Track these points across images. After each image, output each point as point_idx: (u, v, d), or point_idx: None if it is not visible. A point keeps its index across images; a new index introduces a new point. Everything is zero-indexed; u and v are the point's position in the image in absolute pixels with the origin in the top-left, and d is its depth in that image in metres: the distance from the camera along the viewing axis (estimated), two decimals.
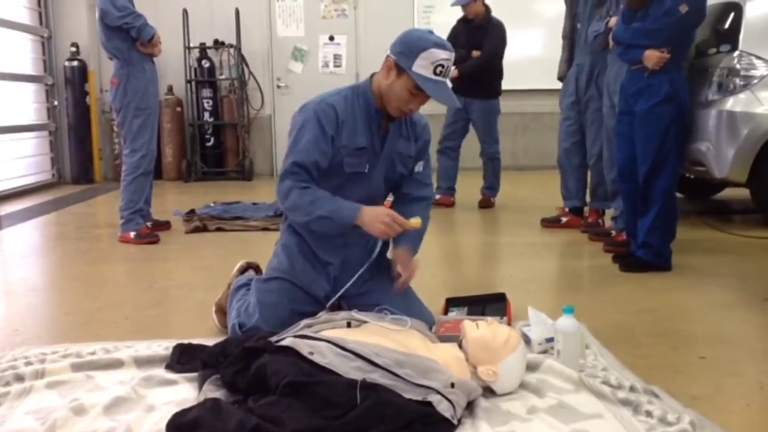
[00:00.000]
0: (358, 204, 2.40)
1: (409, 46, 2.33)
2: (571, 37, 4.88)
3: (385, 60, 2.41)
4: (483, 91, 5.80)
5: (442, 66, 2.32)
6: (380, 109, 2.48)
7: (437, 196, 5.87)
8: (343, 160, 2.45)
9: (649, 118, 3.57)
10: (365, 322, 2.24)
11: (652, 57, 3.52)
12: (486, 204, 5.93)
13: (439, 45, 2.32)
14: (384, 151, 2.52)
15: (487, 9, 5.83)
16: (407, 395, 1.81)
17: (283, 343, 1.99)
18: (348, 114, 2.45)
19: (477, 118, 5.87)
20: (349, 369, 1.87)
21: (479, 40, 5.75)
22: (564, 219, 4.98)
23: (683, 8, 3.45)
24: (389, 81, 2.39)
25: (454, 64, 5.79)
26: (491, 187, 6.00)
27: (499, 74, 5.87)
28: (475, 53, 5.72)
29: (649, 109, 3.57)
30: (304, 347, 1.93)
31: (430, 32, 2.39)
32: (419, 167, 2.64)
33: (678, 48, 3.56)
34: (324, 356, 1.90)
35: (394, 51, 2.38)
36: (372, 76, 2.51)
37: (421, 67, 2.31)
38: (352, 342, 1.97)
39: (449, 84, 2.49)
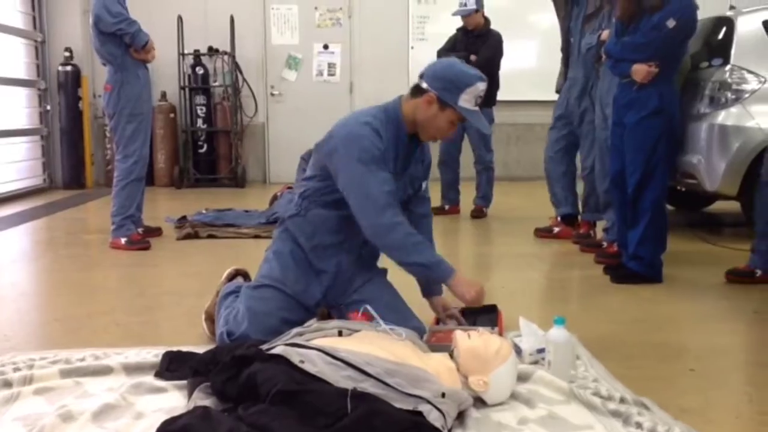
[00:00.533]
0: (454, 267, 2.51)
1: (453, 82, 2.44)
2: (565, 51, 4.92)
3: (424, 95, 2.46)
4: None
5: (480, 97, 2.48)
6: (410, 134, 2.54)
7: (446, 207, 6.08)
8: None
9: (638, 130, 3.60)
10: (357, 330, 2.24)
11: (639, 71, 3.55)
12: (478, 214, 5.94)
13: (480, 79, 2.46)
14: (405, 175, 2.58)
15: (487, 21, 5.88)
16: (398, 404, 1.81)
17: (274, 351, 1.99)
18: (385, 139, 2.49)
19: (471, 126, 5.87)
20: (340, 378, 1.87)
21: (477, 48, 5.80)
22: (556, 229, 4.99)
23: (671, 23, 3.48)
24: (430, 113, 2.47)
25: None
26: (484, 197, 6.02)
27: (494, 83, 5.90)
28: (473, 58, 5.76)
29: (637, 121, 3.60)
30: (294, 355, 1.93)
31: (461, 63, 2.54)
32: (425, 185, 2.76)
33: (667, 61, 3.58)
34: (314, 365, 1.90)
35: (434, 86, 2.45)
36: (399, 98, 2.56)
37: (466, 101, 2.45)
38: (343, 351, 1.97)
39: None
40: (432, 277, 2.57)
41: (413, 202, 2.73)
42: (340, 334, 2.23)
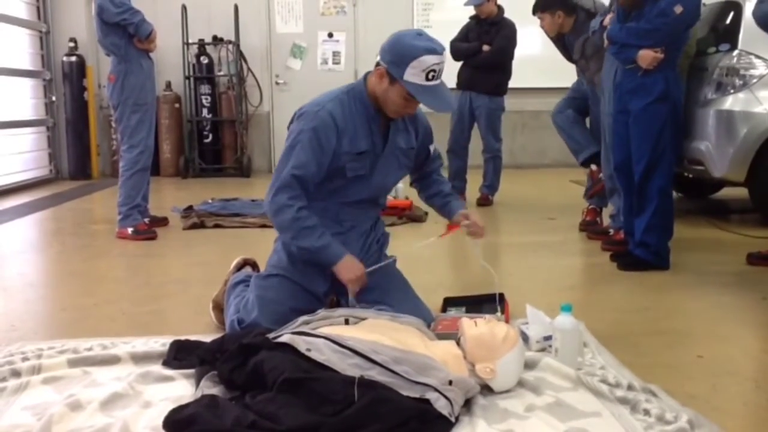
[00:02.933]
0: (343, 252, 2.42)
1: (400, 54, 2.30)
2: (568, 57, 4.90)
3: (376, 67, 2.39)
4: (489, 88, 5.83)
5: (434, 71, 2.29)
6: (378, 109, 2.47)
7: None
8: (345, 166, 2.45)
9: (644, 116, 3.58)
10: (363, 318, 2.24)
11: (646, 57, 3.52)
12: (484, 202, 5.93)
13: (429, 50, 2.27)
14: (386, 149, 2.52)
15: (500, 9, 5.85)
16: (405, 392, 1.81)
17: (281, 339, 1.99)
18: (347, 120, 2.44)
19: (481, 114, 5.89)
20: (347, 366, 1.87)
21: (491, 37, 5.79)
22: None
23: (678, 9, 3.45)
24: (382, 88, 2.39)
25: (465, 58, 5.82)
26: (491, 185, 6.00)
27: (507, 73, 5.89)
28: (486, 48, 5.75)
29: (643, 107, 3.58)
30: (301, 344, 1.93)
31: (419, 35, 2.33)
32: (432, 148, 2.74)
33: (672, 47, 3.55)
34: (321, 353, 1.90)
35: (384, 59, 2.36)
36: (366, 76, 2.49)
37: (413, 75, 2.28)
38: (349, 339, 1.97)
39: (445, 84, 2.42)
40: (318, 263, 2.45)
41: (428, 164, 2.75)
42: (347, 322, 2.23)
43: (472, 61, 5.80)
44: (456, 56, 5.91)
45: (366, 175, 2.50)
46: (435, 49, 2.29)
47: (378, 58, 2.40)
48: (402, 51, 2.30)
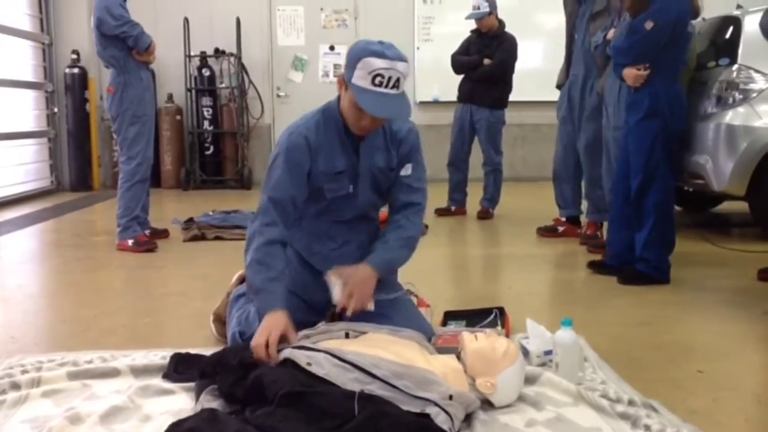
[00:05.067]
0: (276, 306, 2.21)
1: (350, 57, 2.25)
2: (569, 48, 4.92)
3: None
4: (490, 101, 5.86)
5: (381, 76, 2.17)
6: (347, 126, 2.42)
7: (452, 208, 6.05)
8: (323, 186, 2.43)
9: (636, 132, 3.64)
10: (364, 332, 2.24)
11: (629, 75, 3.59)
12: (484, 215, 5.93)
13: (376, 53, 2.18)
14: (361, 168, 2.46)
15: (501, 23, 5.89)
16: (405, 407, 1.80)
17: (282, 354, 1.99)
18: (321, 140, 2.40)
19: (482, 127, 5.91)
20: (347, 380, 1.87)
21: (491, 51, 5.83)
22: (561, 228, 4.99)
23: (648, 24, 3.47)
24: (341, 96, 2.35)
25: (466, 71, 5.85)
26: (491, 198, 6.01)
27: (507, 86, 5.92)
28: (487, 61, 5.78)
29: (635, 123, 3.64)
30: (302, 358, 1.93)
31: (380, 43, 2.24)
32: (406, 170, 2.51)
33: (659, 63, 3.55)
34: (322, 367, 1.90)
35: (344, 66, 2.32)
36: (339, 96, 2.44)
37: (359, 78, 2.20)
38: (350, 353, 1.96)
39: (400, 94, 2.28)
40: (255, 302, 2.31)
41: (398, 188, 2.52)
42: (347, 336, 2.22)
43: (473, 75, 5.84)
44: (456, 69, 5.95)
45: (350, 194, 2.47)
46: (383, 53, 2.18)
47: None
48: (353, 53, 2.25)
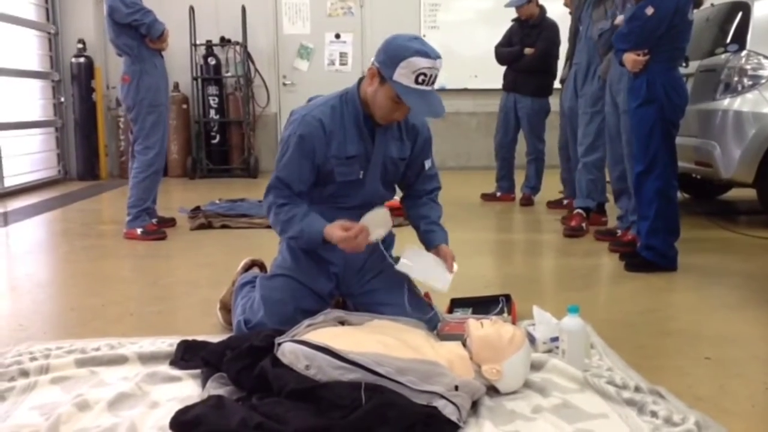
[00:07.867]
0: (323, 224, 2.38)
1: (392, 54, 2.28)
2: (573, 40, 4.91)
3: (369, 68, 2.38)
4: (533, 89, 5.86)
5: (425, 75, 2.25)
6: (369, 115, 2.44)
7: (498, 194, 6.14)
8: (334, 170, 2.45)
9: (634, 119, 3.64)
10: (361, 323, 2.24)
11: (628, 60, 3.59)
12: (526, 202, 5.95)
13: (420, 53, 2.24)
14: (374, 155, 2.48)
15: (542, 9, 5.86)
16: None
17: (283, 348, 1.96)
18: (336, 124, 2.43)
19: (524, 115, 5.93)
20: (349, 381, 1.86)
21: (532, 40, 5.82)
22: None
23: (649, 10, 3.46)
24: (373, 89, 2.36)
25: (508, 63, 5.84)
26: (533, 186, 6.02)
27: (551, 74, 5.92)
28: (528, 50, 5.76)
29: (633, 110, 3.64)
30: (302, 359, 1.90)
31: (415, 38, 2.31)
32: (428, 164, 2.65)
33: (658, 49, 3.52)
34: (322, 371, 1.87)
35: (377, 59, 2.34)
36: (360, 80, 2.47)
37: (402, 76, 2.25)
38: (350, 352, 1.92)
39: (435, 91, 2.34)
40: (309, 244, 2.44)
41: (421, 180, 2.66)
42: (343, 323, 2.23)
43: (516, 66, 5.84)
44: (500, 61, 5.99)
45: (359, 180, 2.49)
46: (427, 53, 2.25)
47: (373, 59, 2.39)
48: (394, 51, 2.28)
